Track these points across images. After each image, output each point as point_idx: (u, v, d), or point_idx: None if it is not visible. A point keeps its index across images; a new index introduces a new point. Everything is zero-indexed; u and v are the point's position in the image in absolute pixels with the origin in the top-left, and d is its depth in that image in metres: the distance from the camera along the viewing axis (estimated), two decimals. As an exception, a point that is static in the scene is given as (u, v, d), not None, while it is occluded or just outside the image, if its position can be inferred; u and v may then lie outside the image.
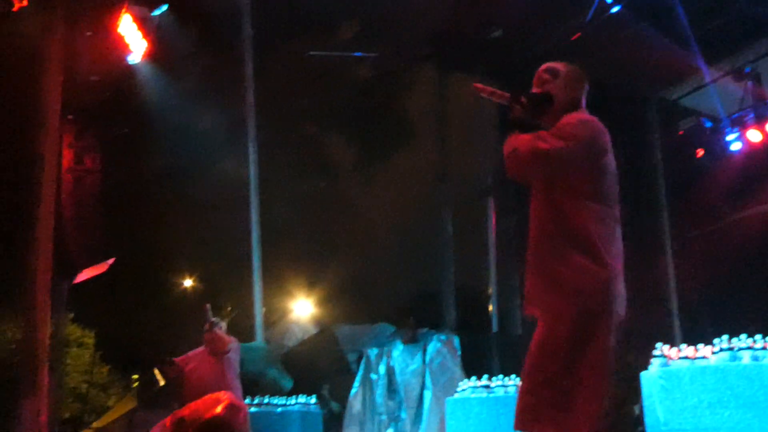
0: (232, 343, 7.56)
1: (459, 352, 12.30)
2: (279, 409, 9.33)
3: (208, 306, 7.49)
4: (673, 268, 13.92)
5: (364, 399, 11.93)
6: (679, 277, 13.76)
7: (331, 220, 17.46)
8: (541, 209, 3.38)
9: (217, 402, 2.18)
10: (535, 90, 3.53)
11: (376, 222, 16.92)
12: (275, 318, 16.19)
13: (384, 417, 11.81)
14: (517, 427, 3.24)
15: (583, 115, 3.49)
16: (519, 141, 3.30)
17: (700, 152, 12.66)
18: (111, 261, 10.28)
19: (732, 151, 11.82)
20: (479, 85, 3.53)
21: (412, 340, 12.53)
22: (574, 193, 3.30)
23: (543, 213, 3.36)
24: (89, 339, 19.66)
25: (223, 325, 7.84)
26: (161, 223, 16.91)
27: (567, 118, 3.40)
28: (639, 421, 11.87)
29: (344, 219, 17.33)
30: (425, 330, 12.71)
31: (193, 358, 7.77)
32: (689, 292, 13.56)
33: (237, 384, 7.51)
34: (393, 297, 15.47)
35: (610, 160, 3.44)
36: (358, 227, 17.28)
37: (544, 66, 3.60)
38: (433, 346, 12.22)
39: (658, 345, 6.59)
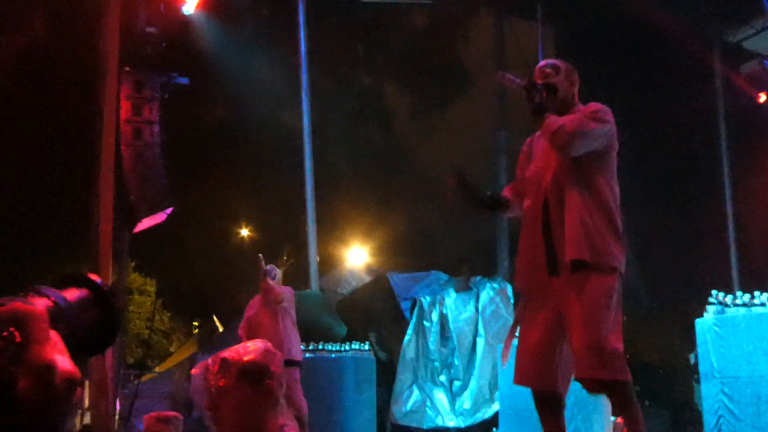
0: (286, 293, 7.67)
1: (512, 300, 12.31)
2: (333, 355, 9.49)
3: (262, 256, 7.61)
4: (732, 215, 13.69)
5: (417, 346, 12.07)
6: (739, 224, 13.53)
7: (387, 169, 17.48)
8: (572, 184, 3.74)
9: (255, 346, 2.30)
10: (537, 79, 3.92)
11: (431, 171, 16.89)
12: (330, 266, 16.37)
13: (437, 364, 11.95)
14: (584, 374, 3.56)
15: (595, 104, 3.88)
16: (562, 120, 3.72)
17: (762, 96, 12.33)
18: (170, 210, 10.46)
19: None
20: (502, 75, 4.05)
21: (466, 288, 12.58)
22: (600, 170, 3.78)
23: (576, 188, 3.73)
24: (151, 287, 20.20)
25: (279, 273, 7.97)
26: (219, 172, 17.16)
27: (594, 106, 3.83)
28: (695, 369, 11.81)
29: (400, 168, 17.33)
30: (478, 278, 12.75)
31: (253, 305, 7.93)
32: (748, 239, 13.32)
33: (293, 331, 7.64)
34: (447, 245, 15.50)
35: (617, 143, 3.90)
36: (414, 176, 17.28)
37: (543, 62, 4.04)
38: (486, 294, 12.26)
39: (714, 292, 6.51)
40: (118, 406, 9.58)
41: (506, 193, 4.14)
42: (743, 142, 13.47)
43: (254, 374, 2.22)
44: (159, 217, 10.50)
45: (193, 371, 2.55)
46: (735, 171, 13.83)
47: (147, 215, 10.24)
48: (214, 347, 15.68)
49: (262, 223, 19.33)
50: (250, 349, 2.28)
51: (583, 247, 3.64)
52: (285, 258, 19.40)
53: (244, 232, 19.99)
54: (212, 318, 18.34)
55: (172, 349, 21.72)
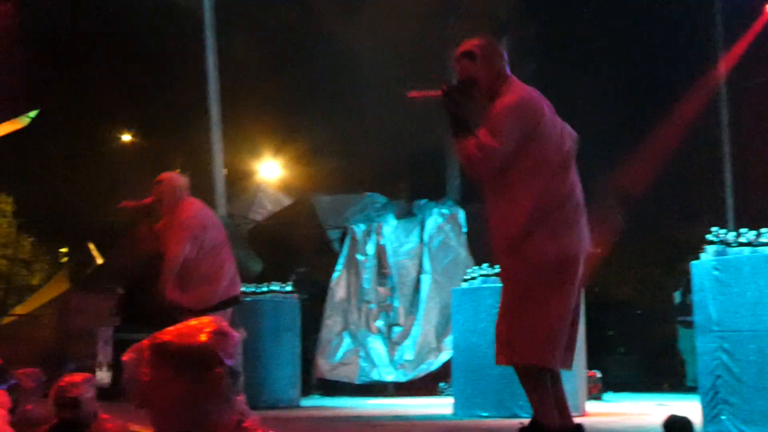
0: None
1: (465, 229, 12.45)
2: (248, 298, 9.46)
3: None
4: (728, 128, 13.90)
5: (348, 284, 12.15)
6: (737, 139, 13.77)
7: (309, 61, 17.22)
8: (492, 183, 4.65)
9: (203, 328, 2.25)
10: (458, 75, 4.67)
11: (366, 63, 16.70)
12: (235, 183, 16.22)
13: (372, 306, 12.08)
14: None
15: (508, 96, 4.56)
16: (467, 149, 4.51)
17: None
18: (33, 113, 10.24)
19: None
20: (414, 94, 4.71)
21: (408, 213, 12.65)
22: (517, 165, 4.52)
23: (494, 186, 4.65)
24: (6, 206, 19.79)
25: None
26: (96, 63, 16.67)
27: (495, 107, 4.53)
28: (680, 310, 12.23)
29: (325, 59, 17.08)
30: (424, 201, 12.82)
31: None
32: (750, 160, 13.62)
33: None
34: (385, 158, 15.45)
35: (545, 123, 4.57)
36: (343, 69, 17.08)
37: (458, 50, 4.70)
38: (434, 221, 12.37)
39: (715, 229, 6.65)
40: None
41: None
42: (743, 32, 13.67)
43: (198, 363, 2.19)
44: (20, 122, 10.30)
45: (125, 357, 2.57)
46: (734, 68, 14.01)
47: (4, 119, 10.04)
48: (89, 284, 15.56)
49: (149, 126, 18.99)
50: (195, 330, 2.24)
51: (501, 248, 4.67)
52: (179, 171, 19.15)
53: (126, 137, 19.64)
54: (86, 245, 18.11)
55: (34, 282, 21.45)
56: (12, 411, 4.11)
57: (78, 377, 4.36)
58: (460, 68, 4.68)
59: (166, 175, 7.20)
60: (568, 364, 4.65)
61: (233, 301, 7.12)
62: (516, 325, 4.51)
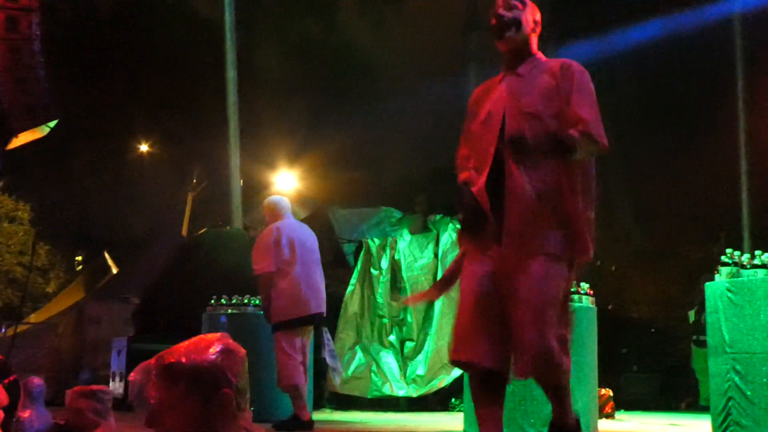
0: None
1: (480, 244, 12.45)
2: (259, 312, 9.47)
3: None
4: (744, 144, 13.84)
5: (362, 299, 12.16)
6: (754, 155, 13.72)
7: (326, 74, 17.34)
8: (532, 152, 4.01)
9: (210, 346, 2.27)
10: (500, 10, 4.22)
11: (383, 78, 16.78)
12: (252, 194, 16.29)
13: (386, 320, 12.08)
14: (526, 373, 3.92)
15: (577, 65, 4.19)
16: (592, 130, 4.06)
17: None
18: (53, 123, 10.34)
19: None
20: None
21: (423, 228, 12.66)
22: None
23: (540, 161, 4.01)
24: (24, 213, 19.91)
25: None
26: (114, 73, 16.81)
27: (578, 69, 4.16)
28: (695, 329, 12.21)
29: (343, 72, 17.19)
30: (438, 216, 12.82)
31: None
32: (765, 174, 13.58)
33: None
34: (400, 173, 15.53)
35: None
36: (360, 83, 17.18)
37: None
38: (448, 236, 12.36)
39: (729, 251, 6.68)
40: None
41: (466, 175, 4.27)
42: (762, 60, 13.66)
43: (207, 383, 2.22)
44: (40, 131, 10.38)
45: (131, 376, 2.61)
46: (751, 86, 13.98)
47: (24, 128, 10.11)
48: (105, 293, 15.64)
49: (168, 137, 19.12)
50: (202, 347, 2.26)
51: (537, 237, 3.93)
52: (195, 181, 19.29)
53: (145, 147, 19.76)
54: (102, 254, 18.22)
55: (50, 290, 21.58)
56: (10, 410, 4.11)
57: (92, 388, 4.41)
58: (507, 6, 4.23)
59: (266, 200, 8.06)
60: None
61: (308, 320, 7.52)
62: (562, 331, 3.95)
